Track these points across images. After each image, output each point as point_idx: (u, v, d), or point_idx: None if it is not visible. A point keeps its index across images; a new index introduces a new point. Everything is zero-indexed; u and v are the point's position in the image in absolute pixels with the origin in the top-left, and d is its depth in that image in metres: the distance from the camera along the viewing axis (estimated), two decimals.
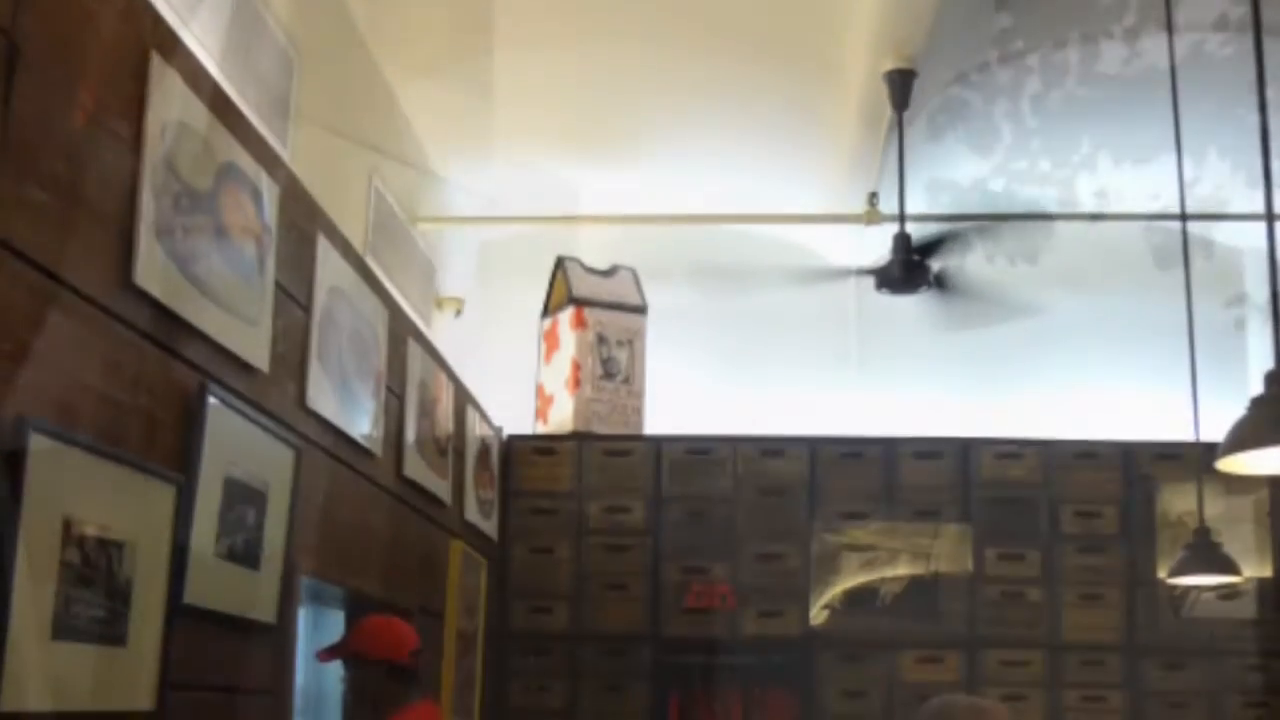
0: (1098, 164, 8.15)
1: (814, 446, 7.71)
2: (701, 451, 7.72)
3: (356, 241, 5.70)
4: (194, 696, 3.54)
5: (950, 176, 8.22)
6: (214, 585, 3.59)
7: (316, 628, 5.63)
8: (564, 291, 8.17)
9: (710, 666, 7.58)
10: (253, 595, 3.92)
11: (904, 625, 7.41)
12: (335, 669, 5.03)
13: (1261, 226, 4.00)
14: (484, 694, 6.92)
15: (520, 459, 7.78)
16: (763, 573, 7.52)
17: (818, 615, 7.42)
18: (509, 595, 7.61)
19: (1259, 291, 8.59)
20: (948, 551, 7.43)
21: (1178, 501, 7.29)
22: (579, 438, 7.84)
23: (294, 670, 4.37)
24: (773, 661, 7.54)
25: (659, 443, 7.81)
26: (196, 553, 3.45)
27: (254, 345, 3.89)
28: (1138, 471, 7.51)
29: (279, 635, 4.15)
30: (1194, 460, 6.31)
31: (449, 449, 6.28)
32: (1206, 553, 5.91)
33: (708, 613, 7.50)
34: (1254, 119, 3.90)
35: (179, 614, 3.36)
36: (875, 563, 7.43)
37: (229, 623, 3.76)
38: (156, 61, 3.23)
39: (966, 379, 8.67)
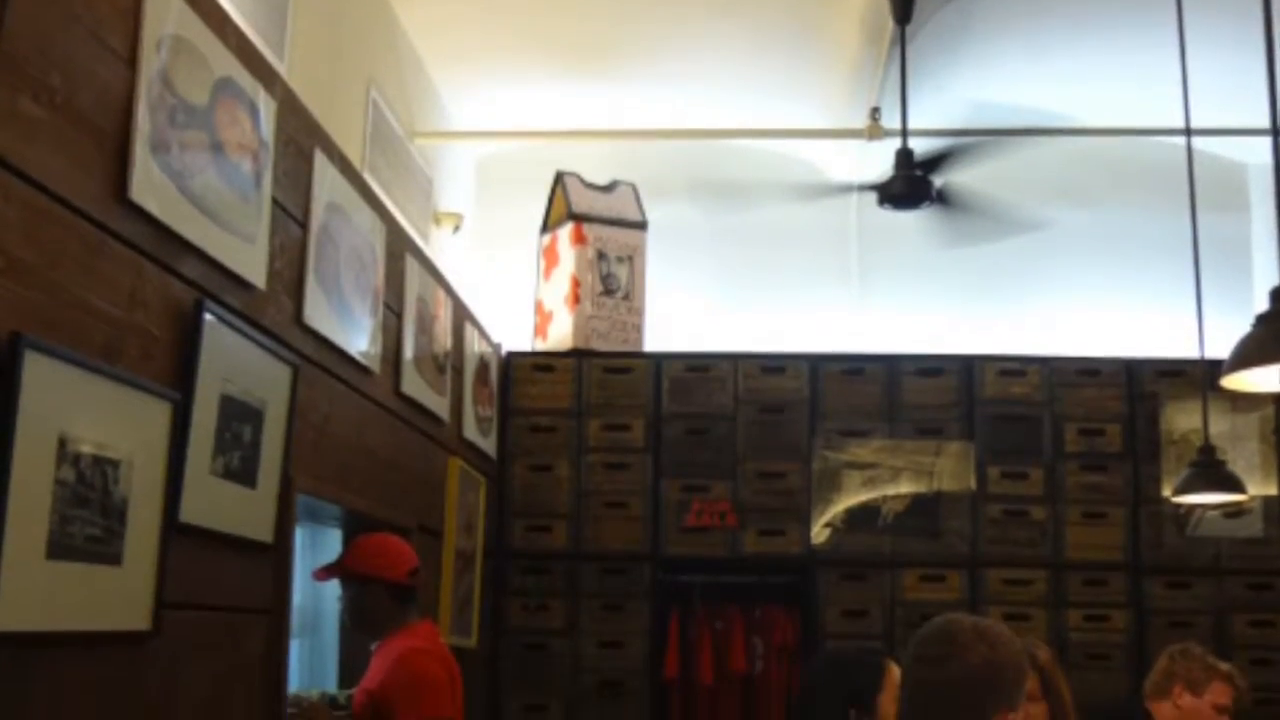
0: (1102, 78, 8.06)
1: (815, 363, 7.66)
2: (702, 368, 7.67)
3: (354, 157, 5.64)
4: (190, 616, 3.52)
5: (953, 91, 8.12)
6: (210, 504, 3.57)
7: (314, 546, 5.63)
8: (563, 207, 8.11)
9: (710, 585, 7.57)
10: (249, 514, 3.90)
11: (906, 544, 7.39)
12: (333, 588, 5.02)
13: (1266, 141, 3.94)
14: (482, 613, 6.91)
15: (519, 376, 7.73)
16: (763, 491, 7.50)
17: (819, 534, 7.40)
18: (508, 513, 7.58)
19: (1264, 207, 8.54)
20: (950, 469, 7.39)
21: (1182, 419, 7.26)
22: (578, 354, 7.79)
23: (291, 589, 4.33)
24: (773, 580, 7.53)
25: (659, 359, 7.76)
26: (193, 471, 3.43)
27: (251, 262, 3.86)
28: (1142, 389, 7.47)
29: (276, 554, 4.13)
30: (1198, 377, 6.29)
31: (447, 366, 6.24)
32: (1211, 471, 5.88)
33: (708, 531, 7.48)
34: (1259, 30, 3.83)
35: (175, 533, 3.34)
36: (877, 481, 7.40)
37: (225, 541, 3.75)
38: None
39: (969, 295, 8.62)
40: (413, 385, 5.64)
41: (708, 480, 7.53)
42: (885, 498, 7.39)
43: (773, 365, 7.67)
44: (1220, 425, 6.83)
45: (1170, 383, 7.39)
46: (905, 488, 7.39)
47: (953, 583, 7.33)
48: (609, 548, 7.51)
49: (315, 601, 5.67)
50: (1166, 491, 7.00)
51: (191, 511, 3.42)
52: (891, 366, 7.64)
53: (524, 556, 7.54)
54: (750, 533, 7.48)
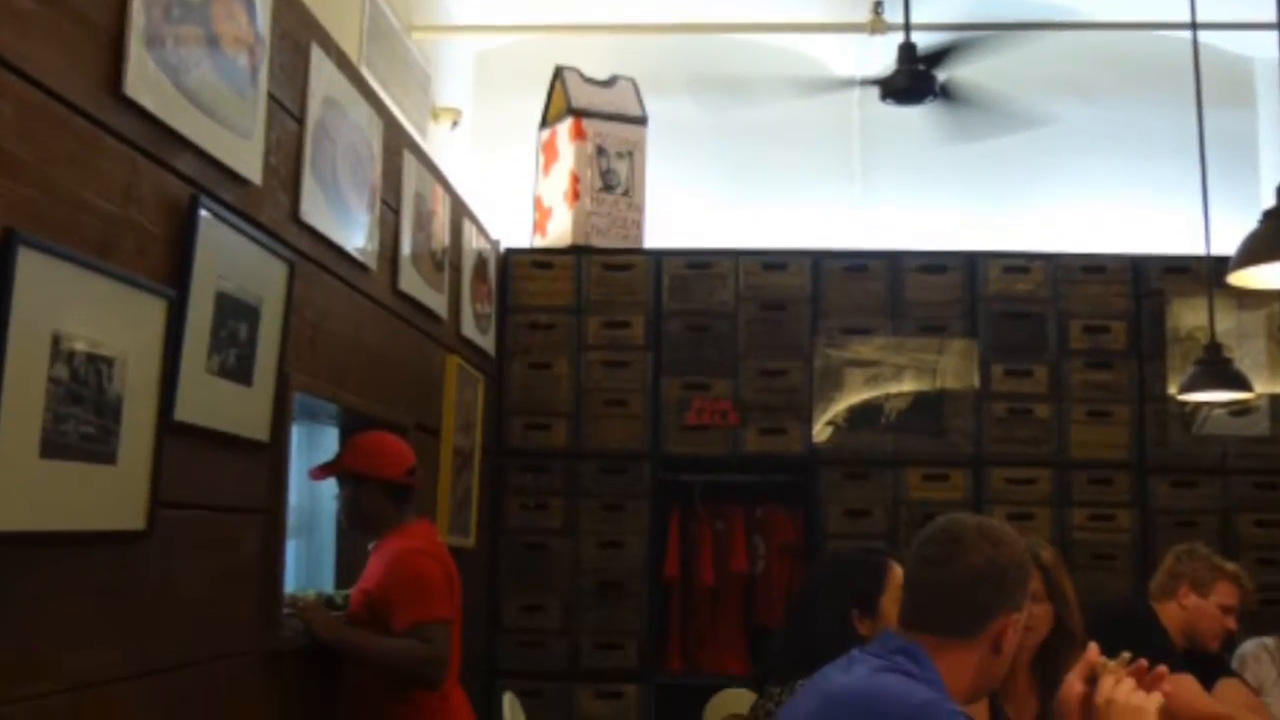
0: None
1: (817, 260, 7.60)
2: (702, 265, 7.61)
3: (351, 52, 5.57)
4: (186, 515, 3.51)
5: None
6: (205, 402, 3.55)
7: (310, 445, 5.60)
8: (562, 102, 8.02)
9: (711, 485, 7.56)
10: (245, 412, 3.88)
11: (909, 442, 7.35)
12: (329, 487, 5.00)
13: (1273, 35, 3.88)
14: (481, 512, 6.90)
15: (518, 273, 7.67)
16: (765, 389, 7.46)
17: (821, 432, 7.36)
18: (506, 412, 7.55)
19: (1270, 102, 8.46)
20: (953, 367, 7.35)
21: (1188, 316, 7.20)
22: (578, 251, 7.73)
23: (287, 488, 4.32)
24: (775, 480, 7.52)
25: (659, 256, 7.70)
26: (188, 369, 3.41)
27: (246, 157, 3.83)
28: (1147, 286, 7.41)
29: (272, 453, 4.11)
30: (1205, 274, 6.24)
31: (445, 263, 6.18)
32: (1217, 368, 5.86)
33: (709, 429, 7.44)
34: None
35: (170, 431, 3.32)
36: (879, 379, 7.36)
37: (221, 440, 3.73)
38: None
39: (973, 192, 8.54)
40: (410, 282, 5.59)
41: (708, 378, 7.48)
42: (888, 396, 7.35)
43: (774, 262, 7.60)
44: (1226, 322, 6.78)
45: (1176, 279, 7.33)
46: (908, 386, 7.35)
47: (956, 482, 7.31)
48: (609, 446, 7.48)
49: (312, 501, 5.65)
50: (1172, 389, 6.96)
51: (187, 410, 3.40)
52: (894, 263, 7.57)
53: (523, 455, 7.52)
54: (751, 431, 7.44)
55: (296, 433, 4.72)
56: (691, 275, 7.60)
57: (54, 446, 2.79)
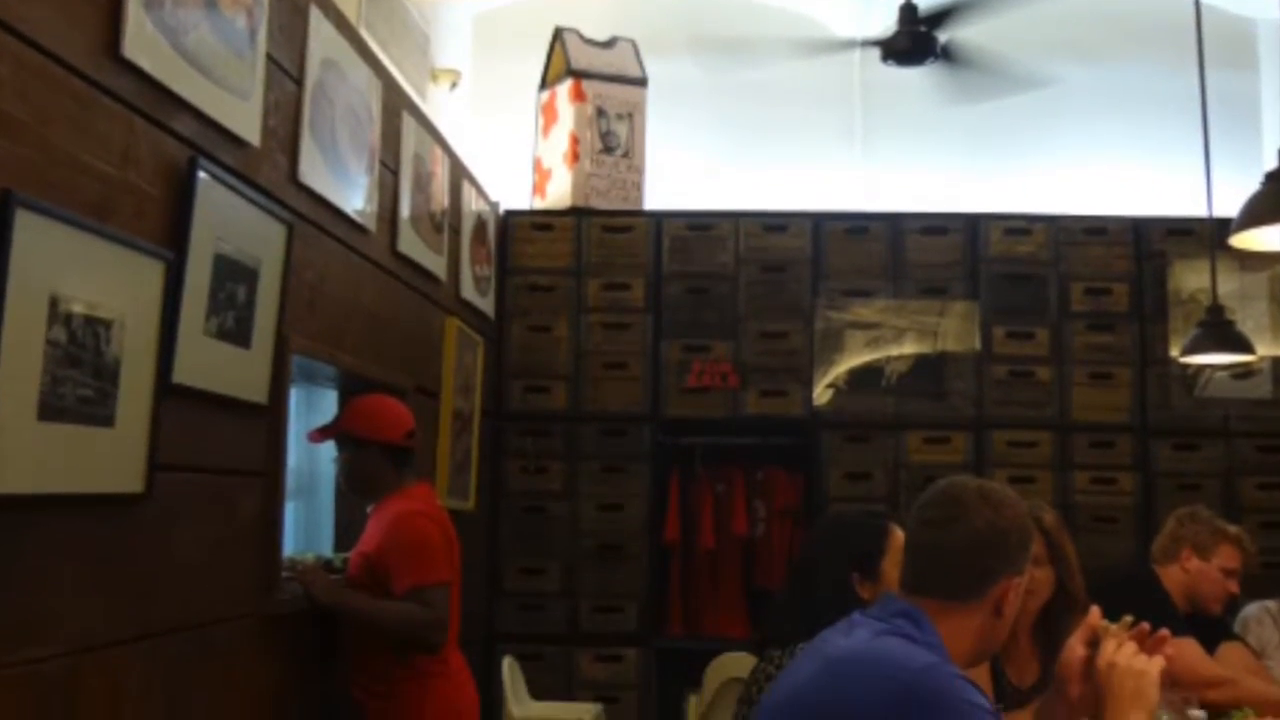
0: None
1: (818, 222, 7.56)
2: (703, 227, 7.58)
3: (350, 13, 5.54)
4: (184, 478, 3.51)
5: None
6: (204, 364, 3.54)
7: (309, 408, 5.59)
8: (562, 63, 7.98)
9: (711, 447, 7.55)
10: (243, 374, 3.88)
11: (909, 405, 7.33)
12: (328, 450, 4.99)
13: None
14: (480, 475, 6.89)
15: (518, 235, 7.64)
16: (765, 351, 7.43)
17: (821, 395, 7.35)
18: (506, 374, 7.53)
19: (1272, 64, 8.42)
20: (955, 330, 7.33)
21: (1190, 278, 7.18)
22: (577, 213, 7.70)
23: (286, 451, 4.31)
24: (775, 442, 7.51)
25: (659, 218, 7.67)
26: (186, 331, 3.40)
27: (245, 119, 3.82)
28: (1149, 248, 7.38)
29: (270, 415, 4.11)
30: (1207, 236, 6.21)
31: (444, 225, 6.16)
32: (1220, 331, 5.83)
33: (709, 392, 7.42)
34: None
35: (168, 394, 3.32)
36: (880, 341, 7.34)
37: (219, 403, 3.73)
38: None
39: (974, 153, 8.51)
40: (409, 244, 5.57)
41: (708, 340, 7.46)
42: (889, 358, 7.33)
43: (775, 224, 7.57)
44: (1229, 285, 6.75)
45: (1178, 241, 7.30)
46: (909, 348, 7.33)
47: (957, 444, 7.30)
48: (608, 409, 7.46)
49: (310, 464, 5.64)
50: (1174, 352, 6.93)
51: (185, 372, 3.39)
52: (895, 225, 7.54)
53: (522, 418, 7.50)
54: (752, 394, 7.42)
55: (295, 395, 4.73)
56: (692, 237, 7.57)
57: (52, 409, 2.78)
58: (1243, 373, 7.03)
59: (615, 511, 7.37)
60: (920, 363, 7.32)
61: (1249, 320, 6.81)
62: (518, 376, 7.52)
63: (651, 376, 7.45)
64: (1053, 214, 7.53)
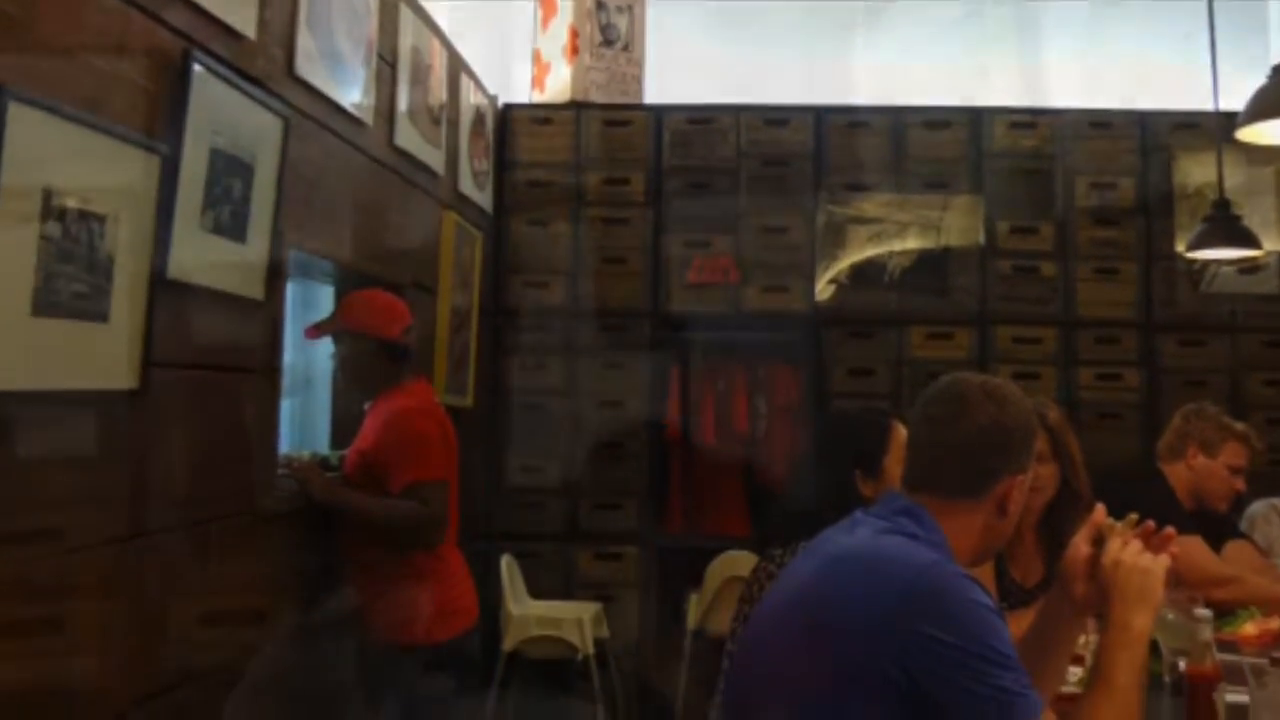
0: None
1: (819, 115, 7.50)
2: (703, 120, 7.51)
3: None
4: (179, 375, 3.49)
5: None
6: (199, 259, 3.52)
7: (305, 304, 5.56)
8: None
9: (712, 343, 7.52)
10: (239, 270, 3.86)
11: (912, 300, 7.28)
12: (325, 346, 4.97)
13: None
14: (478, 371, 6.86)
15: (516, 129, 7.57)
16: (766, 246, 7.38)
17: (824, 290, 7.30)
18: (504, 270, 7.48)
19: None
20: (958, 224, 7.27)
21: (1196, 173, 7.12)
22: (577, 107, 7.63)
23: (282, 347, 4.31)
24: (777, 338, 7.47)
25: (659, 112, 7.60)
26: (180, 225, 3.38)
27: (240, 10, 3.79)
28: (1155, 141, 7.31)
29: (266, 310, 4.10)
30: (1213, 129, 6.16)
31: (442, 118, 6.11)
32: (1226, 225, 5.79)
33: (710, 288, 7.37)
34: None
35: (162, 289, 3.30)
36: (883, 236, 7.28)
37: (215, 298, 3.71)
38: None
39: (977, 46, 8.40)
40: (407, 138, 5.53)
41: (709, 235, 7.41)
42: (891, 253, 7.28)
43: (776, 118, 7.50)
44: (1235, 179, 6.69)
45: (1184, 135, 7.23)
46: (912, 243, 7.27)
47: (961, 340, 7.25)
48: (608, 305, 7.42)
49: (307, 361, 5.62)
50: (1180, 247, 6.88)
51: (179, 267, 3.36)
52: (897, 119, 7.47)
53: (521, 313, 7.46)
54: (753, 289, 7.37)
55: (291, 291, 4.69)
56: (692, 131, 7.50)
57: (46, 305, 2.77)
58: (1249, 267, 6.99)
59: (615, 408, 7.34)
60: (923, 258, 7.26)
61: (1255, 215, 6.74)
62: (516, 271, 7.47)
63: (652, 272, 7.40)
64: (1057, 107, 7.45)
